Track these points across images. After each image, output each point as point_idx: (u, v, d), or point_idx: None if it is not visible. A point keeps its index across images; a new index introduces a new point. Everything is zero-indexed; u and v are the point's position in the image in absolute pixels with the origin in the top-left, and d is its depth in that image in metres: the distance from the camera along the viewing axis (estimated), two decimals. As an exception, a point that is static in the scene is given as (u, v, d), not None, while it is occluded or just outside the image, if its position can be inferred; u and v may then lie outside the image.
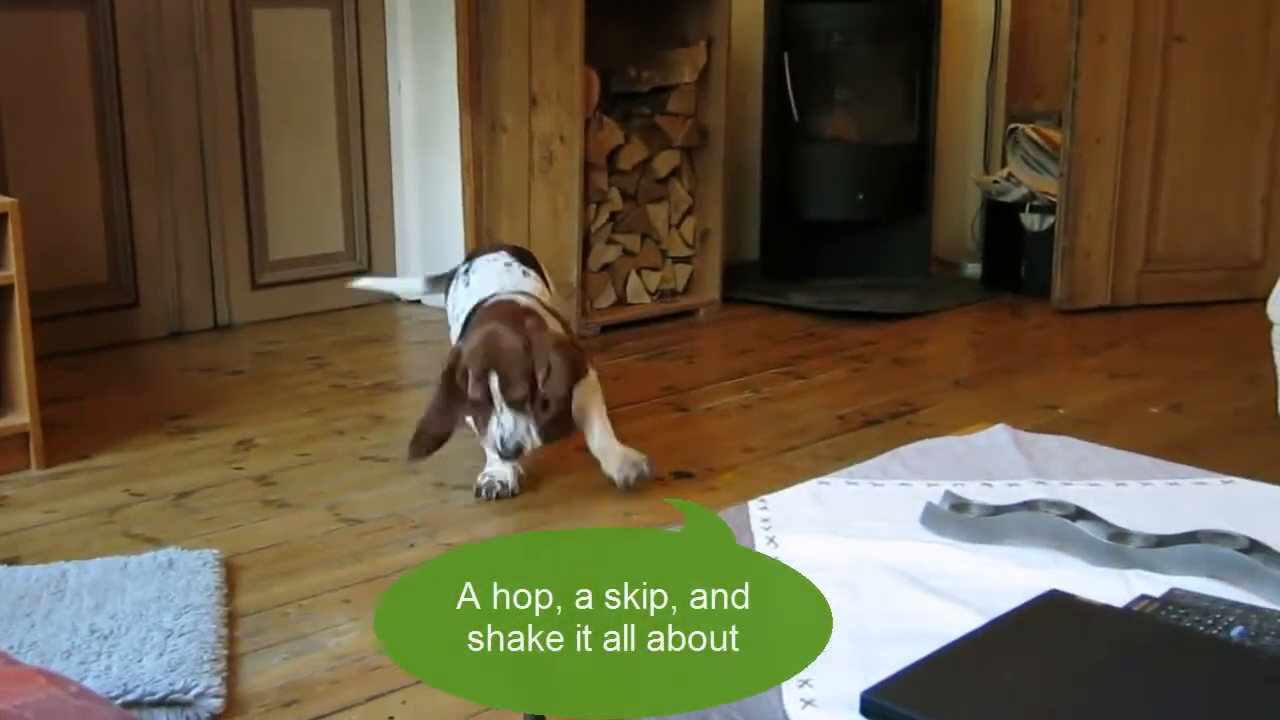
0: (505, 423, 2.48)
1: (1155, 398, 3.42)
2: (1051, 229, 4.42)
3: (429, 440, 2.58)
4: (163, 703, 1.89)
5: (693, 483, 2.78)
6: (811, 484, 1.70)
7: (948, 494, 1.60)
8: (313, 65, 4.17)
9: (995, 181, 4.69)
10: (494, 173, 4.16)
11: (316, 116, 4.19)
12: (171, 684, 1.91)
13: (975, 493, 1.64)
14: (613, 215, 4.11)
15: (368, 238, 4.36)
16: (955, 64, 4.87)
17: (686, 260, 4.28)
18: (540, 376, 2.48)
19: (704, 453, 2.94)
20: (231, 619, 2.18)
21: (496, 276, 2.75)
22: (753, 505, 1.64)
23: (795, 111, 4.50)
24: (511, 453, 2.51)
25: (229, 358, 3.77)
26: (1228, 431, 3.14)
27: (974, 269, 4.85)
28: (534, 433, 2.50)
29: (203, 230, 4.02)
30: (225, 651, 2.05)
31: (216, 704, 1.91)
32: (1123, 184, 4.29)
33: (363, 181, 4.32)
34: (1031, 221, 4.55)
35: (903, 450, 1.83)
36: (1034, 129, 4.63)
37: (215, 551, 2.38)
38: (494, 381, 2.47)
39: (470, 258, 2.93)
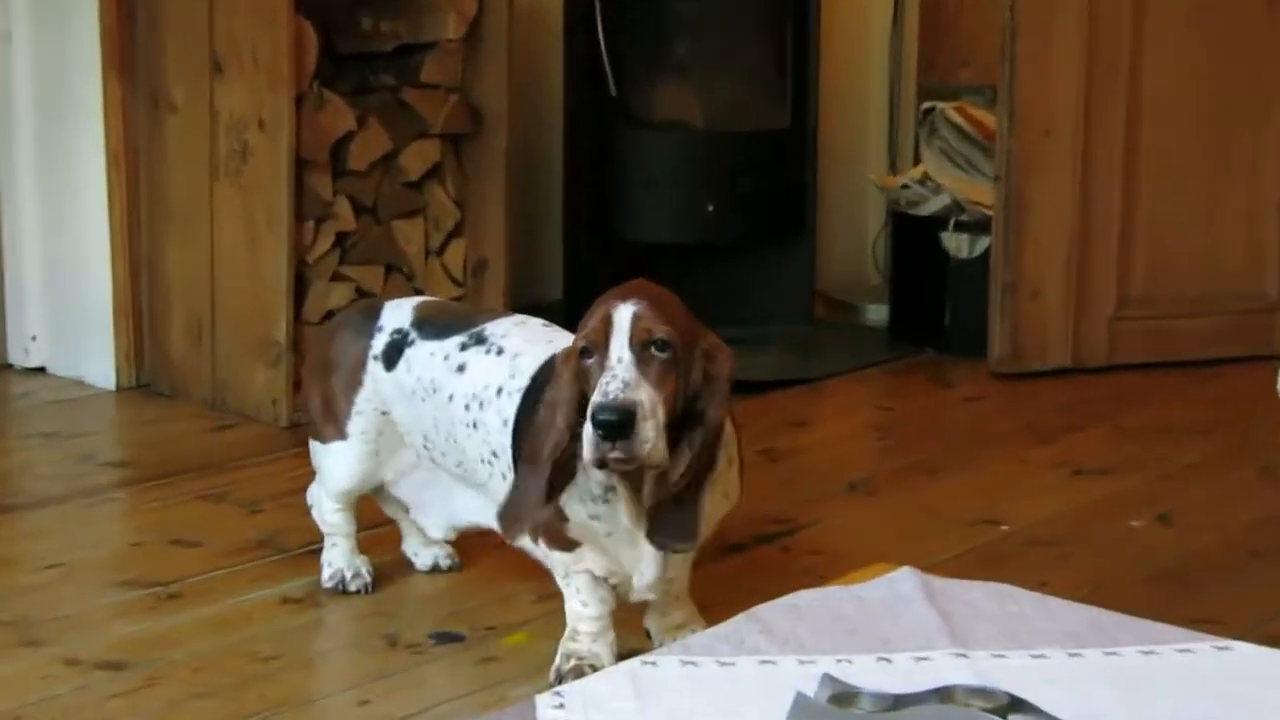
0: (620, 372, 2.33)
1: (1136, 504, 3.52)
2: (986, 256, 4.53)
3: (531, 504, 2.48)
4: None
5: (460, 651, 2.76)
6: (631, 664, 1.72)
7: (827, 678, 1.63)
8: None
9: (905, 186, 4.79)
10: (157, 172, 4.10)
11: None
12: None
13: (867, 673, 1.67)
14: (340, 238, 4.08)
15: (-42, 267, 4.26)
16: (845, 18, 4.98)
17: (455, 300, 4.27)
18: (693, 373, 2.40)
19: (480, 601, 2.93)
20: None
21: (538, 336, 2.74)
22: (542, 700, 1.64)
23: (612, 83, 4.54)
24: (613, 421, 2.29)
25: None
26: (1236, 554, 3.24)
27: (877, 313, 4.93)
28: (646, 430, 2.30)
29: None
30: None
31: None
32: (1084, 192, 4.42)
33: (-47, 181, 4.23)
34: (958, 245, 4.65)
35: (765, 609, 1.87)
36: (958, 110, 4.75)
37: None
38: (623, 311, 2.37)
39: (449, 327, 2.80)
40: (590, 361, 2.40)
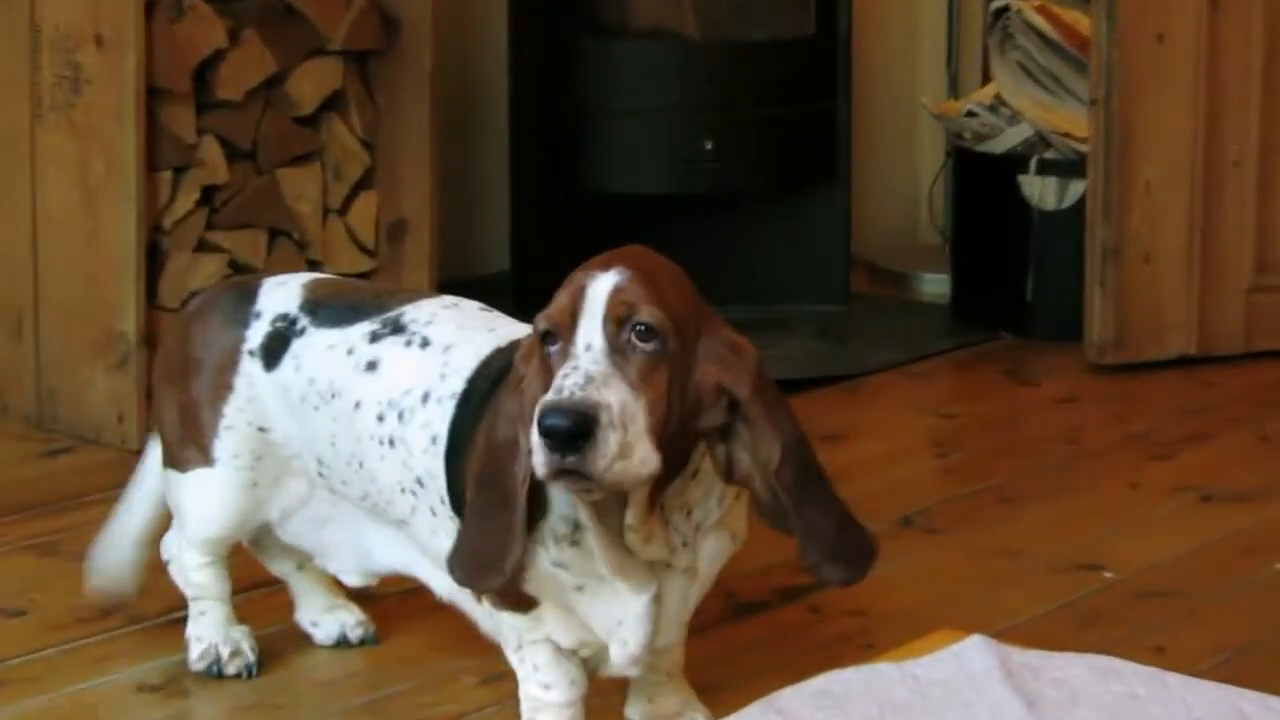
0: (584, 362, 2.33)
1: (1282, 542, 3.57)
2: (1080, 207, 4.55)
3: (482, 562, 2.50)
4: None
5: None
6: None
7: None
8: None
9: (970, 114, 4.81)
10: (-40, 110, 4.11)
11: None
12: None
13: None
14: (208, 193, 4.09)
15: None
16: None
17: (363, 277, 4.28)
18: (696, 376, 2.40)
19: (404, 685, 2.94)
20: None
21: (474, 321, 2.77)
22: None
23: (575, -20, 4.58)
24: (560, 426, 2.28)
25: None
26: None
27: (936, 285, 4.98)
28: (609, 443, 2.29)
29: None
30: None
31: None
32: (1211, 119, 4.45)
33: None
34: (1042, 192, 4.67)
35: (788, 695, 1.88)
36: (1040, 9, 4.76)
37: None
38: (599, 284, 2.36)
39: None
40: (554, 350, 2.39)
